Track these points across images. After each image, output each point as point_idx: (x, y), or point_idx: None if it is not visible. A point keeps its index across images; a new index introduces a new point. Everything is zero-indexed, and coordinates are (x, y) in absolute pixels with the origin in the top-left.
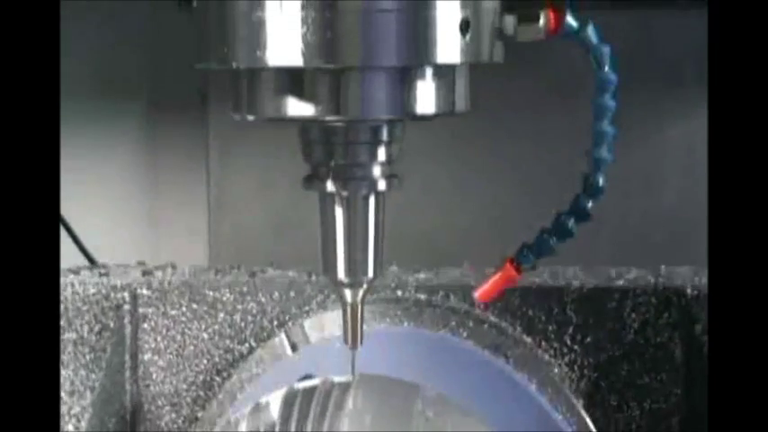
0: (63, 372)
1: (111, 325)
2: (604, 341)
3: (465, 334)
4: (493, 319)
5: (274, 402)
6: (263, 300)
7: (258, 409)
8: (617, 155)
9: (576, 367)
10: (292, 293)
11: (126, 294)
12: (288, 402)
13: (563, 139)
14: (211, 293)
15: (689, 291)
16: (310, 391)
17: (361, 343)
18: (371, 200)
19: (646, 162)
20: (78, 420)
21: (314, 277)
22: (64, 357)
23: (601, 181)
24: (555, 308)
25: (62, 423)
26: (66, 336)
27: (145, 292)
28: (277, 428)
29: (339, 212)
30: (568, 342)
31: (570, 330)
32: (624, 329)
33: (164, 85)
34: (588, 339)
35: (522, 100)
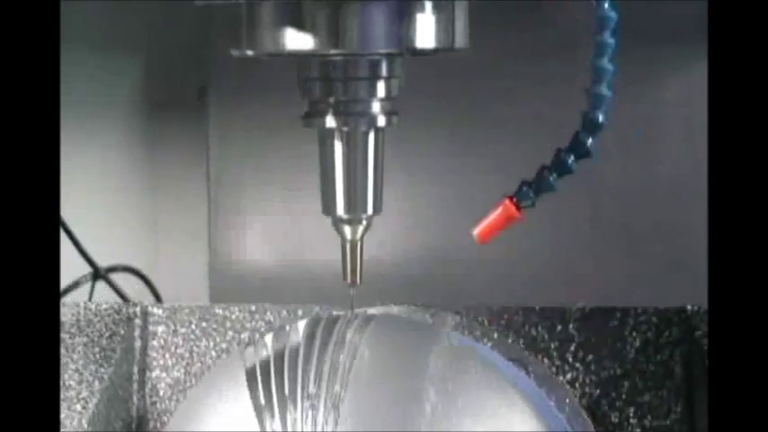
0: (72, 365)
1: (122, 332)
2: (605, 359)
3: (489, 344)
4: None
5: (298, 327)
6: (271, 318)
7: (282, 331)
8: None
9: (577, 384)
10: (300, 312)
11: (137, 310)
12: (310, 327)
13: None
14: (221, 312)
15: (689, 308)
16: (333, 321)
17: (360, 280)
18: (371, 136)
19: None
20: (86, 403)
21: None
22: (74, 356)
23: (600, 117)
24: (558, 326)
25: (70, 405)
26: (77, 339)
27: (156, 311)
28: (302, 350)
29: (338, 148)
30: (570, 360)
31: (572, 348)
32: (625, 348)
33: (162, 84)
34: (590, 357)
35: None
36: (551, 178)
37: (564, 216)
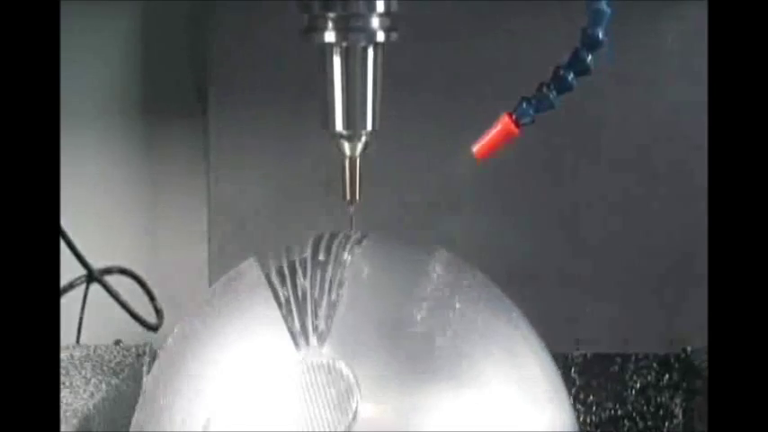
0: (78, 363)
1: (129, 360)
2: (606, 401)
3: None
4: None
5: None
6: None
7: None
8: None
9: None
10: None
11: (147, 348)
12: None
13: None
14: None
15: (689, 349)
16: (332, 237)
17: (359, 197)
18: (370, 51)
19: (643, 63)
20: (96, 388)
21: None
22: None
23: (600, 34)
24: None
25: (80, 391)
26: (85, 352)
27: None
28: (309, 260)
29: (338, 64)
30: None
31: (573, 391)
32: (626, 390)
33: (161, 85)
34: (591, 398)
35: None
36: (551, 95)
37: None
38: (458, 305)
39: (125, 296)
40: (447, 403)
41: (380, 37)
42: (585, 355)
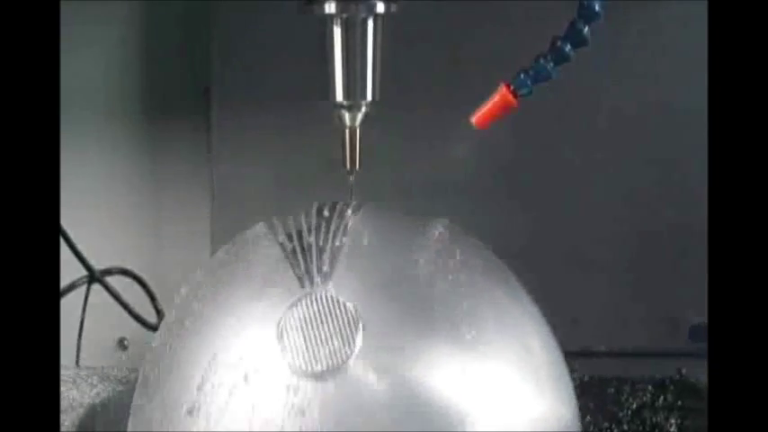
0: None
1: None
2: (602, 421)
3: None
4: None
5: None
6: None
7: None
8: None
9: None
10: None
11: None
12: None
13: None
14: None
15: (684, 371)
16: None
17: (359, 167)
18: (370, 22)
19: (639, 47)
20: (103, 390)
21: None
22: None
23: (597, 6)
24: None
25: (86, 390)
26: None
27: None
28: (314, 218)
29: (338, 35)
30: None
31: None
32: (622, 411)
33: (163, 87)
34: (587, 419)
35: None
36: (548, 66)
37: None
38: (459, 256)
39: (126, 297)
40: (444, 342)
41: (380, 8)
42: (582, 377)
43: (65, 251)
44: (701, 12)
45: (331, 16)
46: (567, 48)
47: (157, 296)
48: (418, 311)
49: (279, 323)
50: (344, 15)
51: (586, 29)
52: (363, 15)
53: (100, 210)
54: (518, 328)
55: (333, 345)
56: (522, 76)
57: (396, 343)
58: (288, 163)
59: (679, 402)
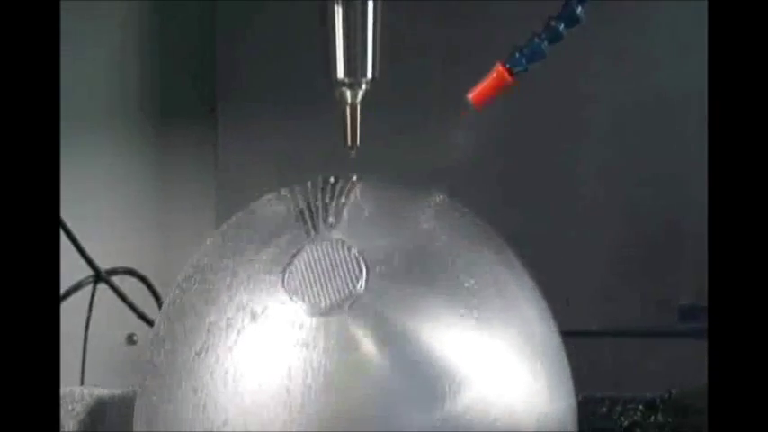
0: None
1: None
2: None
3: None
4: None
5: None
6: None
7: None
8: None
9: None
10: None
11: None
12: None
13: None
14: None
15: (674, 391)
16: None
17: (359, 143)
18: (370, 4)
19: (636, 42)
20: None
21: None
22: None
23: None
24: None
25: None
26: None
27: None
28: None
29: (339, 16)
30: None
31: None
32: (614, 429)
33: (173, 95)
34: None
35: None
36: (543, 45)
37: None
38: (457, 218)
39: (132, 296)
40: (443, 288)
41: None
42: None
43: (71, 251)
44: (697, 5)
45: None
46: (561, 27)
47: (162, 296)
48: (419, 260)
49: (285, 266)
50: None
51: (579, 9)
52: None
53: (106, 212)
54: (514, 287)
55: (337, 284)
56: (517, 54)
57: (397, 286)
58: (290, 167)
59: (669, 420)
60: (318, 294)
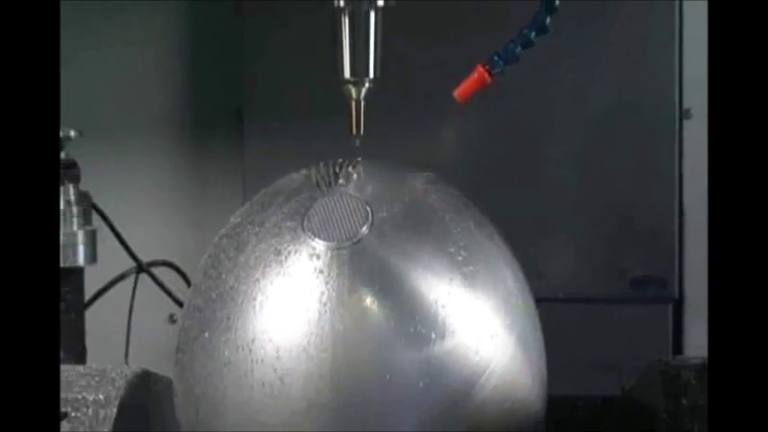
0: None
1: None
2: None
3: None
4: None
5: None
6: None
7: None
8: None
9: None
10: None
11: None
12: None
13: None
14: None
15: (626, 387)
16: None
17: (363, 132)
18: (372, 14)
19: (600, 46)
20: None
21: None
22: None
23: (556, 1)
24: None
25: None
26: None
27: None
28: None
29: (346, 24)
30: None
31: None
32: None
33: (205, 106)
34: None
35: None
36: (517, 50)
37: None
38: (447, 185)
39: (169, 285)
40: (435, 233)
41: (380, 2)
42: None
43: (117, 247)
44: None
45: (340, 9)
46: (532, 35)
47: None
48: (415, 209)
49: (304, 213)
50: (351, 8)
51: (548, 20)
52: (366, 8)
53: (147, 212)
54: (494, 246)
55: (346, 226)
56: (495, 57)
57: (395, 228)
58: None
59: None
60: (332, 233)
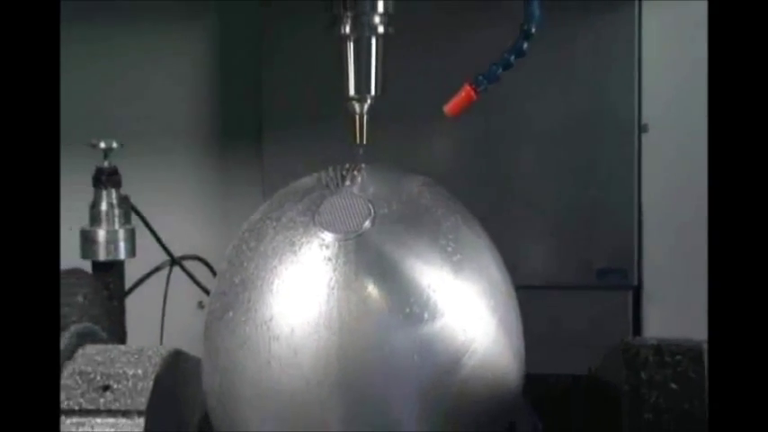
0: None
1: None
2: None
3: None
4: None
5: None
6: None
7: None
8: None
9: None
10: None
11: None
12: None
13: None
14: None
15: (592, 368)
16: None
17: (365, 141)
18: (373, 40)
19: (565, 65)
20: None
21: None
22: None
23: (533, 29)
24: None
25: None
26: None
27: None
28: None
29: (350, 48)
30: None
31: None
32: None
33: (229, 115)
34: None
35: None
36: (498, 71)
37: None
38: (440, 188)
39: (199, 277)
40: (428, 228)
41: (381, 30)
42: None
43: (151, 241)
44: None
45: (346, 35)
46: (512, 58)
47: None
48: (411, 207)
49: (315, 210)
50: (355, 35)
51: (525, 45)
52: (368, 35)
53: (179, 210)
54: (480, 241)
55: (352, 220)
56: (480, 77)
57: (394, 223)
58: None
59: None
60: (339, 227)
